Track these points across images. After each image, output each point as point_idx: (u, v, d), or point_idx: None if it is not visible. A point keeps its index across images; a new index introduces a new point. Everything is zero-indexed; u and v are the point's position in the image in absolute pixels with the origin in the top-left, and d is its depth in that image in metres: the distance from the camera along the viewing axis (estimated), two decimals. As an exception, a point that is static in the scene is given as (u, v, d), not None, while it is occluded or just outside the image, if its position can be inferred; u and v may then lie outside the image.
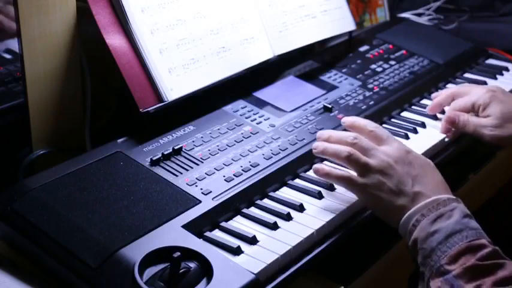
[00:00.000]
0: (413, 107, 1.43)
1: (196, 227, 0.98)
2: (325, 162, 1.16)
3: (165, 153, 1.10)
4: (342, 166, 1.12)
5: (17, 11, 1.10)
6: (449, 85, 1.55)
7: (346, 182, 1.06)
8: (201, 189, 1.05)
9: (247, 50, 1.34)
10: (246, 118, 1.25)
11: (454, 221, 0.98)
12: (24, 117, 1.17)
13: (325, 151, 1.10)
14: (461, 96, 1.37)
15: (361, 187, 1.05)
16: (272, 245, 0.97)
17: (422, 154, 1.24)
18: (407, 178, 1.04)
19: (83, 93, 1.24)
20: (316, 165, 1.10)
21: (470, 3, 1.99)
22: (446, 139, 1.33)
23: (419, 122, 1.35)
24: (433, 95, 1.43)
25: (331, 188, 1.11)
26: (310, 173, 1.16)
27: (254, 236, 0.98)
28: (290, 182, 1.13)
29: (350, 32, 1.62)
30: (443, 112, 1.40)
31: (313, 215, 1.05)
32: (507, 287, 0.91)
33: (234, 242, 0.97)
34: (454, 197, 1.03)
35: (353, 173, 1.07)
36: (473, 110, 1.34)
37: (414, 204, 1.02)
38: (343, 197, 1.09)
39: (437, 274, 0.95)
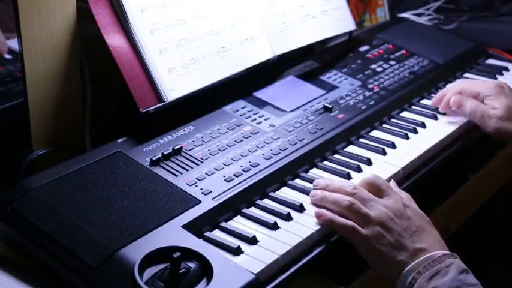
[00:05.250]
0: (413, 107, 1.43)
1: (196, 227, 0.98)
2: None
3: (165, 153, 1.10)
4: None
5: (17, 11, 1.10)
6: (449, 85, 1.55)
7: (349, 231, 1.02)
8: (201, 189, 1.05)
9: (247, 50, 1.34)
10: (246, 118, 1.25)
11: (450, 278, 0.97)
12: (24, 117, 1.17)
13: (324, 199, 1.06)
14: (469, 91, 1.38)
15: (363, 238, 1.02)
16: (272, 245, 0.97)
17: (422, 154, 1.25)
18: (407, 233, 1.02)
19: (83, 93, 1.24)
20: (319, 211, 1.05)
21: (470, 3, 1.99)
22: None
23: (419, 122, 1.35)
24: (434, 100, 1.43)
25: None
26: (310, 173, 1.17)
27: (254, 236, 0.98)
28: (290, 182, 1.13)
29: (350, 32, 1.62)
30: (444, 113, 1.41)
31: (313, 215, 1.05)
32: None
33: (234, 242, 0.97)
34: (449, 252, 1.02)
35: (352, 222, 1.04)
36: (479, 98, 1.36)
37: (412, 260, 1.00)
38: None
39: None
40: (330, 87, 1.42)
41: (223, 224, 1.01)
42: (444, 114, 1.40)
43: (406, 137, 1.30)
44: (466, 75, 1.62)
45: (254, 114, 1.27)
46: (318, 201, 1.06)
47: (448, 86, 1.52)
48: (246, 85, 1.35)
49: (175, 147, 1.12)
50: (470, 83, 1.40)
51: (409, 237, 1.02)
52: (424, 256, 1.00)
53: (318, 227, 1.02)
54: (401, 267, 1.00)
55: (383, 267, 1.03)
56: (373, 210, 1.03)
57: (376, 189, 1.07)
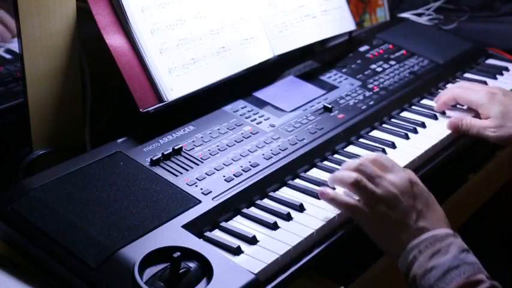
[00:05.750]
0: (413, 107, 1.43)
1: (196, 227, 0.98)
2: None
3: (165, 153, 1.10)
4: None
5: (17, 11, 1.10)
6: (449, 85, 1.55)
7: (352, 210, 1.03)
8: (201, 189, 1.05)
9: (247, 50, 1.34)
10: (246, 118, 1.25)
11: (451, 257, 0.97)
12: (24, 117, 1.17)
13: (332, 179, 1.08)
14: (462, 99, 1.38)
15: (366, 216, 1.03)
16: (272, 245, 0.97)
17: (422, 154, 1.25)
18: (412, 212, 1.02)
19: (83, 93, 1.24)
20: (321, 189, 1.06)
21: (470, 3, 1.99)
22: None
23: (419, 122, 1.35)
24: (436, 99, 1.43)
25: (331, 188, 1.11)
26: (310, 173, 1.17)
27: (254, 236, 0.98)
28: (290, 182, 1.13)
29: (350, 32, 1.62)
30: (444, 113, 1.41)
31: (313, 215, 1.05)
32: None
33: (234, 242, 0.97)
34: (451, 232, 1.02)
35: (356, 200, 1.05)
36: (472, 107, 1.37)
37: (414, 239, 1.00)
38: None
39: None
40: (330, 87, 1.42)
41: (223, 224, 1.01)
42: (444, 114, 1.40)
43: (406, 137, 1.30)
44: (466, 75, 1.62)
45: (254, 114, 1.27)
46: (329, 183, 1.08)
47: (448, 86, 1.52)
48: (246, 85, 1.35)
49: (175, 147, 1.12)
50: (464, 90, 1.40)
51: (413, 216, 1.02)
52: (426, 235, 1.00)
53: (318, 227, 1.02)
54: (403, 245, 1.01)
55: (385, 244, 1.04)
56: (379, 188, 1.03)
57: (382, 166, 1.07)
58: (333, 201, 1.05)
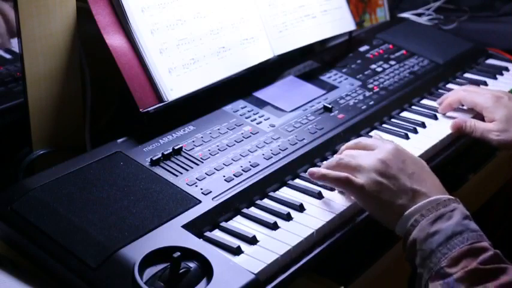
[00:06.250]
0: (413, 107, 1.43)
1: (196, 227, 0.98)
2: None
3: (165, 153, 1.10)
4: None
5: (17, 11, 1.10)
6: (449, 85, 1.55)
7: (345, 182, 1.04)
8: (201, 189, 1.05)
9: (247, 50, 1.34)
10: (246, 118, 1.25)
11: (454, 223, 0.96)
12: (24, 117, 1.17)
13: (318, 170, 1.10)
14: (467, 101, 1.38)
15: (360, 187, 1.03)
16: (272, 245, 0.97)
17: (422, 154, 1.25)
18: (403, 176, 1.02)
19: (83, 93, 1.24)
20: (311, 170, 1.08)
21: (470, 3, 1.99)
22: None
23: (419, 122, 1.35)
24: (440, 100, 1.43)
25: (331, 188, 1.11)
26: (310, 173, 1.17)
27: (254, 236, 0.98)
28: (290, 182, 1.13)
29: (350, 32, 1.62)
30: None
31: (313, 215, 1.05)
32: None
33: (234, 242, 0.97)
34: (453, 198, 1.02)
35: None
36: (477, 110, 1.36)
37: (413, 204, 1.00)
38: (343, 197, 1.09)
39: (437, 276, 0.93)
40: (330, 87, 1.42)
41: (223, 224, 1.01)
42: (444, 114, 1.40)
43: (406, 137, 1.30)
44: (466, 75, 1.62)
45: (254, 114, 1.27)
46: (317, 177, 1.08)
47: (452, 88, 1.52)
48: (246, 85, 1.35)
49: (175, 147, 1.12)
50: (470, 92, 1.40)
51: (407, 179, 1.02)
52: (428, 199, 1.00)
53: (318, 227, 1.02)
54: (402, 210, 1.00)
55: (382, 213, 1.03)
56: (366, 159, 1.05)
57: (366, 147, 1.09)
58: (325, 177, 1.06)
